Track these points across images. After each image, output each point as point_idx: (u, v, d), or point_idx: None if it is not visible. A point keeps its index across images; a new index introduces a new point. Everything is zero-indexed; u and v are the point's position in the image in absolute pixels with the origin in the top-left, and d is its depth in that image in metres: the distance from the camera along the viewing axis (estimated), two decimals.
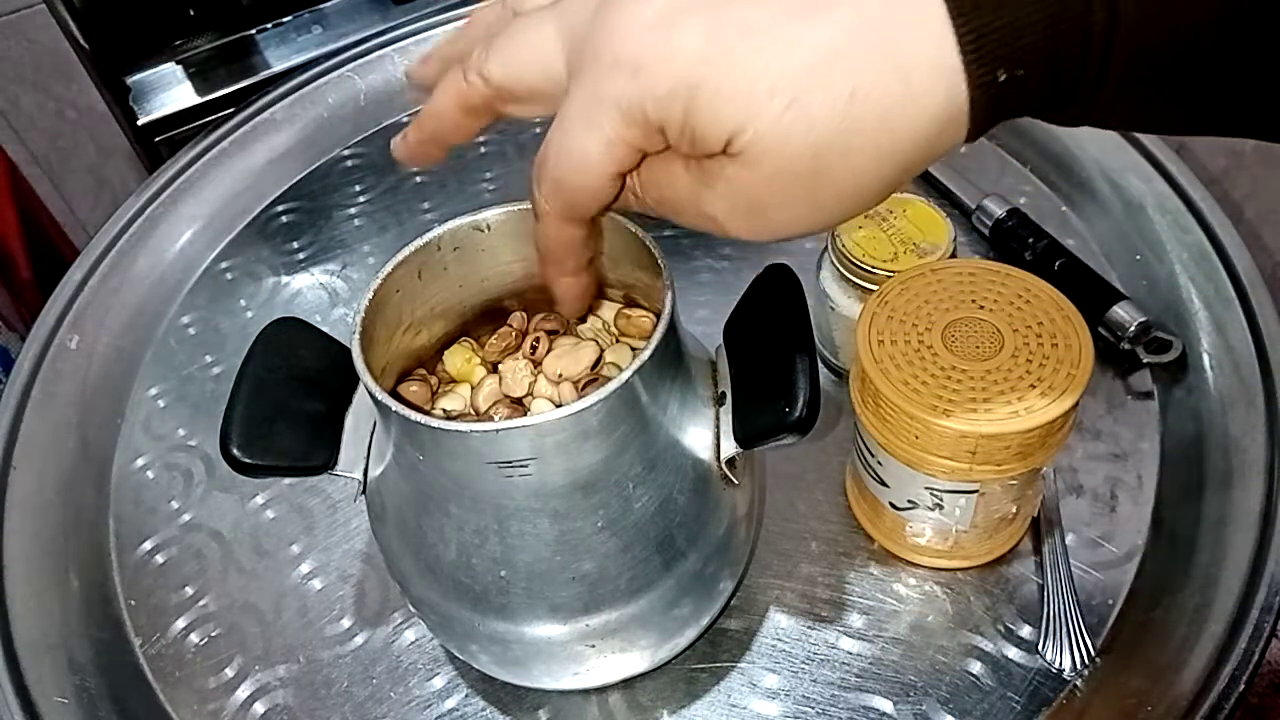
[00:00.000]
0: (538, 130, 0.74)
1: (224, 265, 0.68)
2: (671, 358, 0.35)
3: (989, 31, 0.22)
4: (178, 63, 1.05)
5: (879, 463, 0.43)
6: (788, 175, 0.24)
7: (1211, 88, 0.24)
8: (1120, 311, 0.53)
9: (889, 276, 0.42)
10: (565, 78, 0.27)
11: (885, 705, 0.43)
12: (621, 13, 0.25)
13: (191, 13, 1.06)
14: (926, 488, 0.42)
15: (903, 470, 0.41)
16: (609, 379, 0.32)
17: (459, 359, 0.43)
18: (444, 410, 0.41)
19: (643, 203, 0.28)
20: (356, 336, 0.35)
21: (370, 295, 0.36)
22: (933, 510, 0.43)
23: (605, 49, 0.26)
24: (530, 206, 0.38)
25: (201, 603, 0.50)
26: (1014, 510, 0.44)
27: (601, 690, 0.44)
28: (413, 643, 0.47)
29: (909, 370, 0.39)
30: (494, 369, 0.43)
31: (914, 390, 0.38)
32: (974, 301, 0.40)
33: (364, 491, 0.39)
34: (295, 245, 0.69)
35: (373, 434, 0.38)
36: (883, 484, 0.44)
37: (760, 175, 0.25)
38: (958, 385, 0.38)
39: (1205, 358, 0.53)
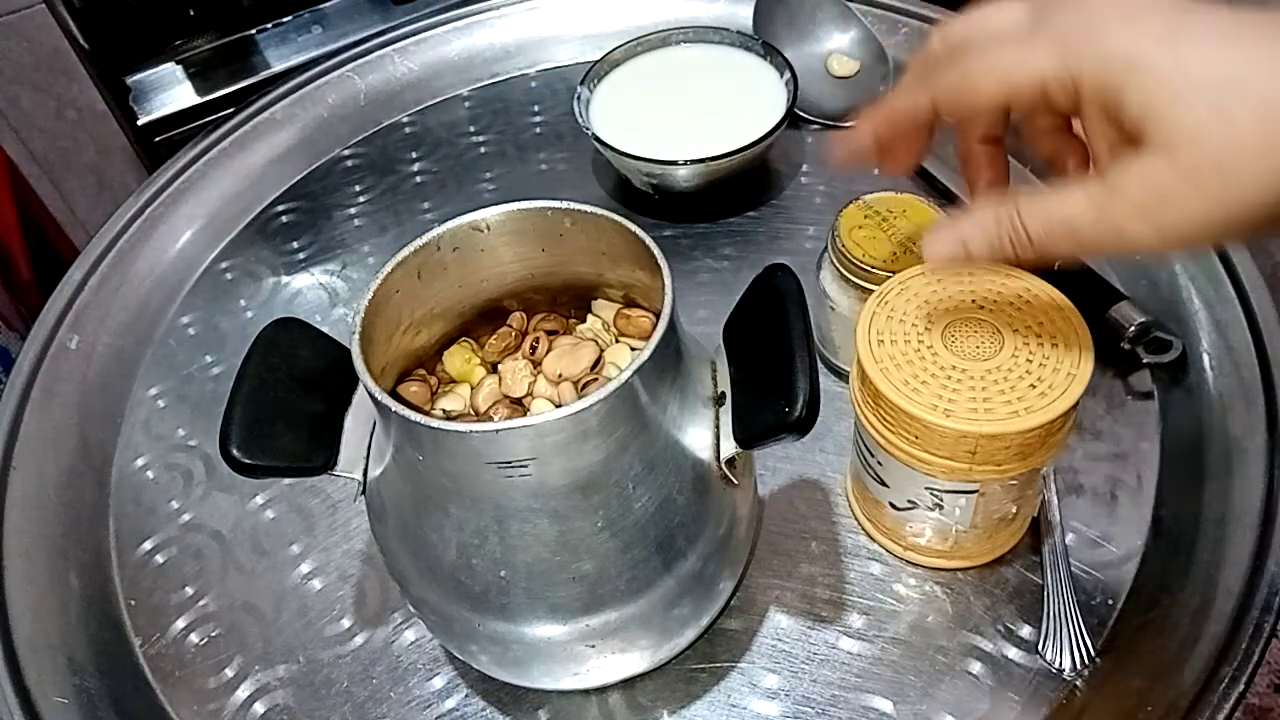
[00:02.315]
0: (538, 131, 0.74)
1: (224, 265, 0.68)
2: (671, 358, 0.35)
3: None
4: (178, 63, 1.06)
5: (879, 463, 0.43)
6: (1204, 170, 0.28)
7: None
8: (1120, 311, 0.53)
9: (889, 276, 0.42)
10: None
11: (885, 705, 0.43)
12: None
13: (191, 13, 1.06)
14: (926, 488, 0.42)
15: (902, 470, 0.41)
16: (609, 379, 0.32)
17: (459, 359, 0.43)
18: (444, 410, 0.41)
19: (1021, 238, 0.32)
20: (356, 336, 0.35)
21: (370, 295, 0.36)
22: (933, 510, 0.43)
23: (1076, 3, 0.30)
24: (530, 207, 0.39)
25: (201, 603, 0.50)
26: (1014, 510, 0.44)
27: (601, 690, 0.44)
28: (413, 643, 0.47)
29: (909, 370, 0.39)
30: (494, 369, 0.43)
31: (914, 390, 0.38)
32: (974, 301, 0.40)
33: (364, 492, 0.39)
34: (295, 245, 0.69)
35: (372, 434, 0.38)
36: (883, 484, 0.44)
37: (1176, 168, 0.28)
38: (958, 385, 0.38)
39: (1205, 358, 0.53)
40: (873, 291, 0.42)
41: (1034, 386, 0.37)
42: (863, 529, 0.48)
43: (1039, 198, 0.32)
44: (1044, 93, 0.31)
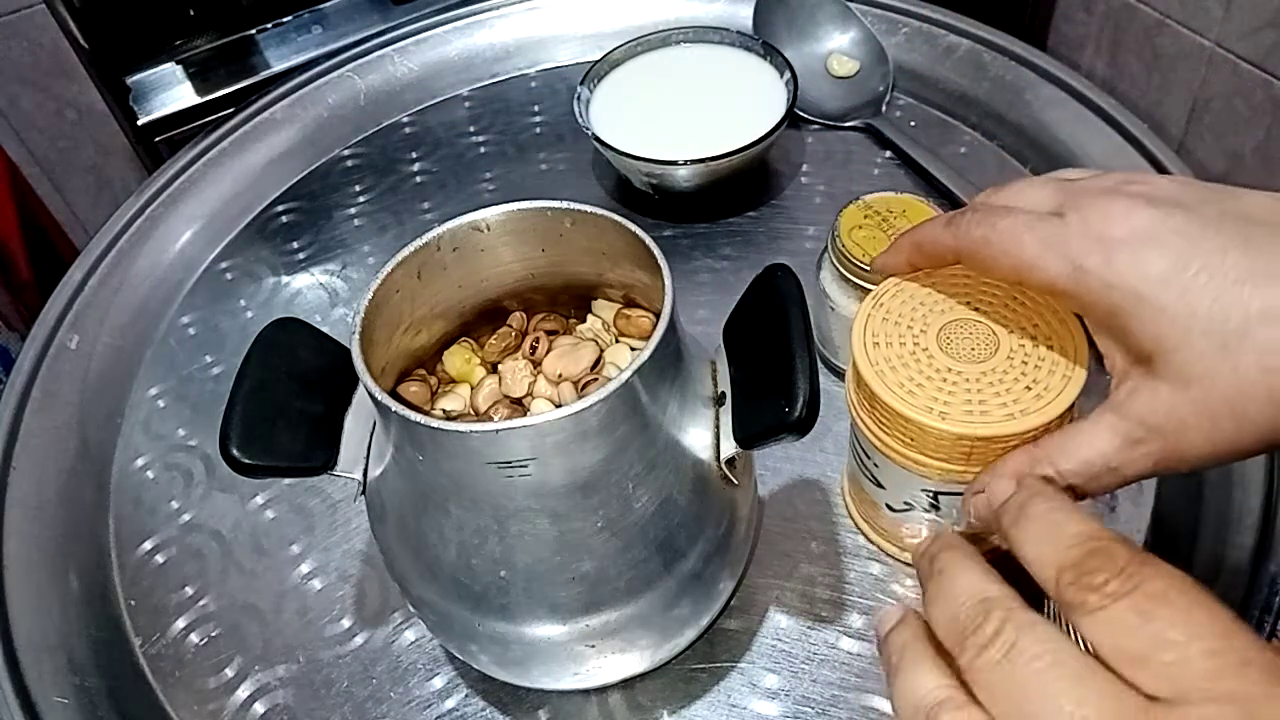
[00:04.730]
0: (538, 131, 0.74)
1: (224, 265, 0.68)
2: (671, 358, 0.35)
3: None
4: (178, 63, 1.06)
5: (875, 464, 0.43)
6: (1217, 409, 0.29)
7: None
8: None
9: (888, 277, 0.42)
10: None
11: (885, 705, 0.43)
12: (1122, 200, 0.31)
13: (191, 13, 1.06)
14: (923, 489, 0.42)
15: (898, 472, 0.41)
16: (609, 379, 0.32)
17: (459, 359, 0.43)
18: (444, 410, 0.41)
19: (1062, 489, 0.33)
20: (356, 336, 0.35)
21: (370, 295, 0.36)
22: (929, 512, 0.43)
23: (1096, 214, 0.31)
24: (530, 207, 0.39)
25: (201, 603, 0.50)
26: None
27: (601, 690, 0.44)
28: (413, 643, 0.47)
29: (904, 372, 0.39)
30: (494, 369, 0.43)
31: (909, 393, 0.38)
32: (970, 303, 0.40)
33: (364, 492, 0.39)
34: (295, 245, 0.69)
35: (372, 434, 0.38)
36: (879, 485, 0.44)
37: (1192, 403, 0.29)
38: (953, 387, 0.38)
39: None
40: (872, 291, 0.42)
41: (1030, 388, 0.37)
42: (859, 530, 0.48)
43: (1065, 443, 0.33)
44: (1051, 292, 0.33)
